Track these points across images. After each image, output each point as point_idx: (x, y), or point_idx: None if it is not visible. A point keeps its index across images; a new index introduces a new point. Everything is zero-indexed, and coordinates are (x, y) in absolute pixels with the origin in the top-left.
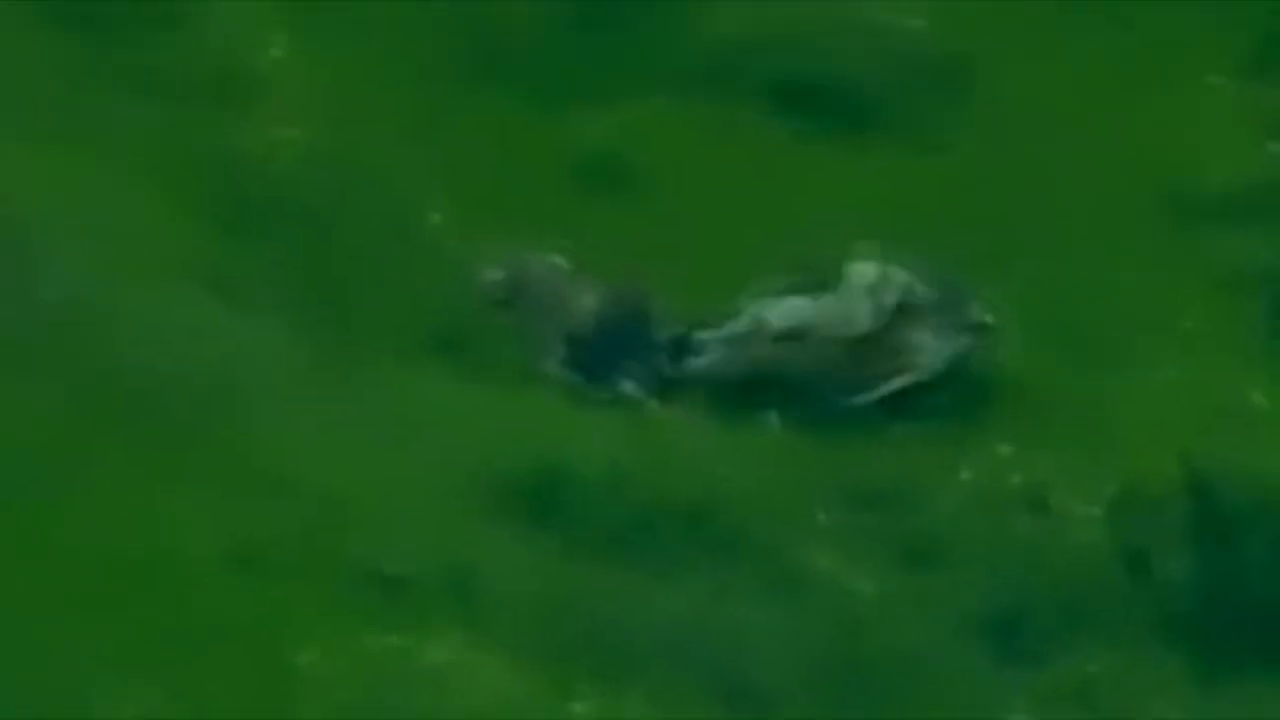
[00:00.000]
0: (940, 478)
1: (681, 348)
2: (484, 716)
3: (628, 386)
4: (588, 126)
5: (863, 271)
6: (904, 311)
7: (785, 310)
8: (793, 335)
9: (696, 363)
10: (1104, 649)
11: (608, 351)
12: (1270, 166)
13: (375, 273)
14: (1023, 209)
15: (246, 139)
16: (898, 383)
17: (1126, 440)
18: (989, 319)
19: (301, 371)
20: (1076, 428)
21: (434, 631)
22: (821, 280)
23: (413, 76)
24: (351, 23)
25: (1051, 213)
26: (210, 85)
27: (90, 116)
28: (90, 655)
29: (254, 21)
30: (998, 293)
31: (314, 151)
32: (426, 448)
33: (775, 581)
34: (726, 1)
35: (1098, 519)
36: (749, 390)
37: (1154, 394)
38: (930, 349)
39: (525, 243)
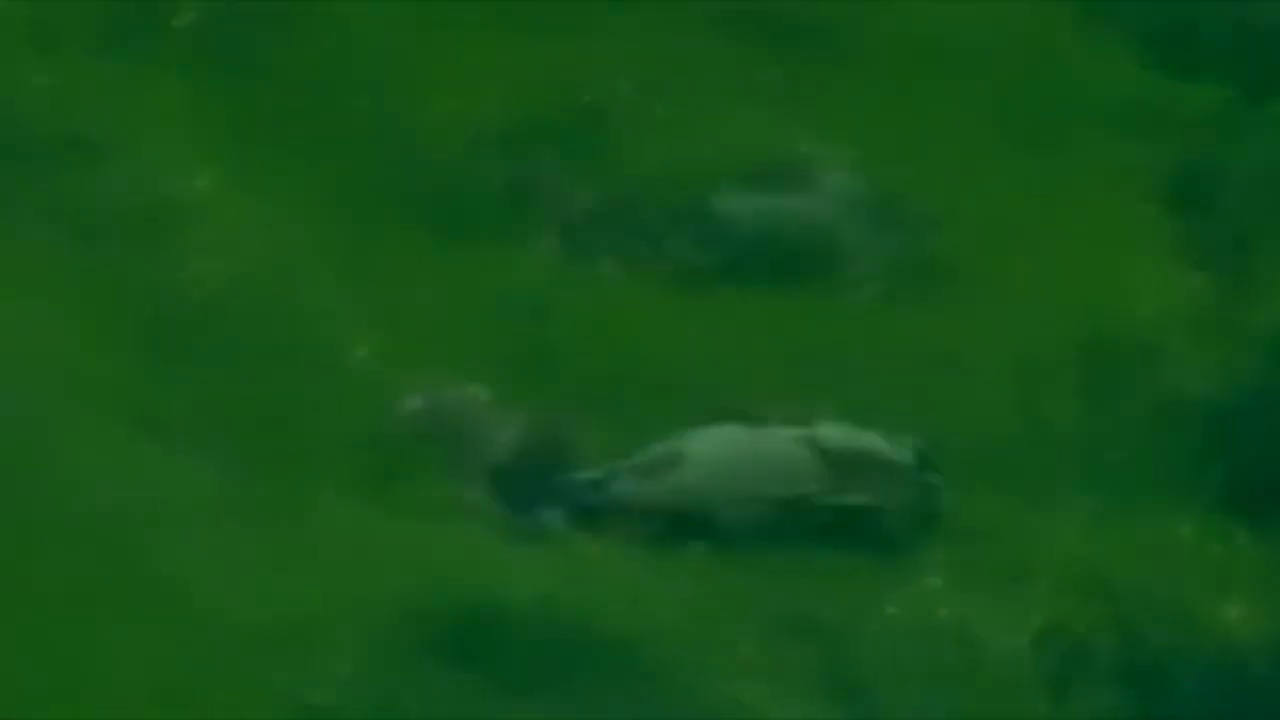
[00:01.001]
0: (868, 610)
1: (602, 480)
2: None
3: (551, 518)
4: (502, 263)
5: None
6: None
7: (724, 440)
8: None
9: (617, 492)
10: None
11: (529, 482)
12: (1195, 298)
13: (302, 405)
14: (948, 348)
15: (172, 272)
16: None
17: (1053, 573)
18: (938, 478)
19: (229, 505)
20: (1004, 561)
21: None
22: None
23: (336, 211)
24: (276, 157)
25: (981, 348)
26: (134, 219)
27: (12, 253)
28: None
29: (178, 154)
30: (930, 429)
31: (239, 284)
32: (353, 581)
33: (701, 717)
34: (645, 139)
35: (1023, 651)
36: (672, 519)
37: (1082, 527)
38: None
39: (449, 375)
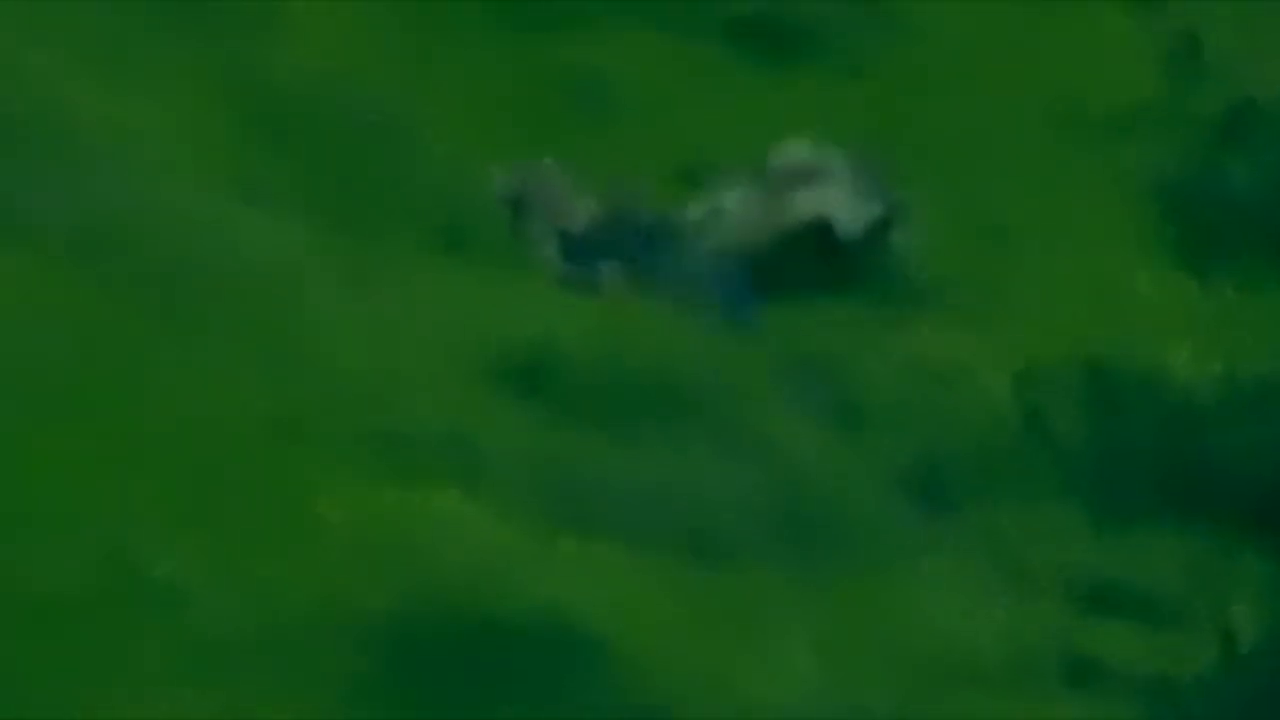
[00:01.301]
0: (869, 351)
1: (657, 237)
2: (481, 559)
3: (612, 276)
4: (574, 50)
5: (794, 150)
6: (821, 176)
7: (731, 198)
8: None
9: (670, 251)
10: (1010, 501)
11: (598, 246)
12: (1158, 86)
13: (388, 180)
14: (937, 126)
15: (274, 65)
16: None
17: (1031, 321)
18: (900, 194)
19: (327, 267)
20: (988, 309)
21: (440, 487)
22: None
23: (420, 8)
24: None
25: (963, 129)
26: (242, 17)
27: (137, 43)
28: (136, 507)
29: None
30: (917, 195)
31: (333, 75)
32: (433, 330)
33: (729, 444)
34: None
35: (1005, 388)
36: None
37: (1056, 282)
38: (847, 208)
39: (522, 153)
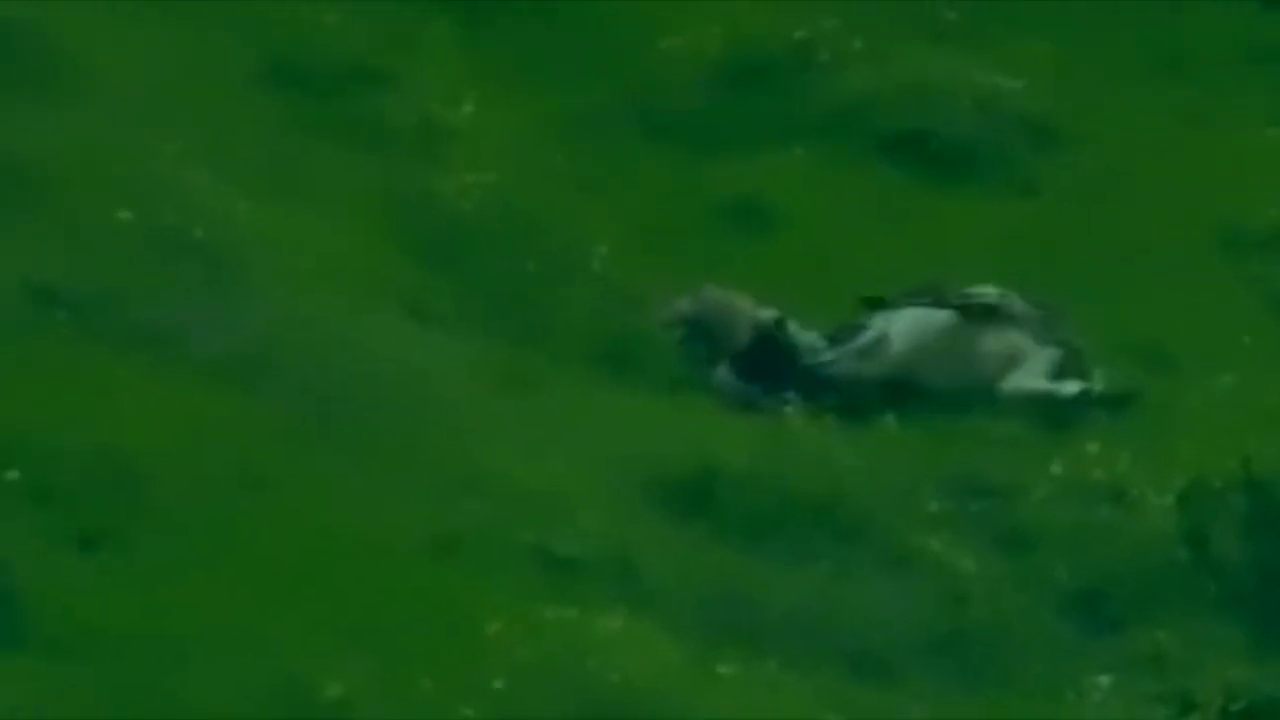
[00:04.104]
0: (1034, 471)
1: (820, 363)
2: (643, 679)
3: (777, 397)
4: (733, 173)
5: (983, 292)
6: (1011, 322)
7: (912, 318)
8: (913, 344)
9: (832, 372)
10: (1173, 620)
11: (761, 367)
12: None
13: (552, 300)
14: (1103, 243)
15: (442, 184)
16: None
17: (1194, 440)
18: (1080, 341)
19: (491, 384)
20: (1151, 429)
21: (602, 606)
22: (940, 300)
23: (582, 131)
24: (530, 85)
25: (1129, 246)
26: (411, 137)
27: (303, 164)
28: (303, 629)
29: (449, 82)
30: (1085, 311)
31: (498, 195)
32: (597, 449)
33: (892, 562)
34: (851, 66)
35: (1169, 508)
36: (873, 394)
37: (1217, 401)
38: (1034, 357)
39: (682, 275)
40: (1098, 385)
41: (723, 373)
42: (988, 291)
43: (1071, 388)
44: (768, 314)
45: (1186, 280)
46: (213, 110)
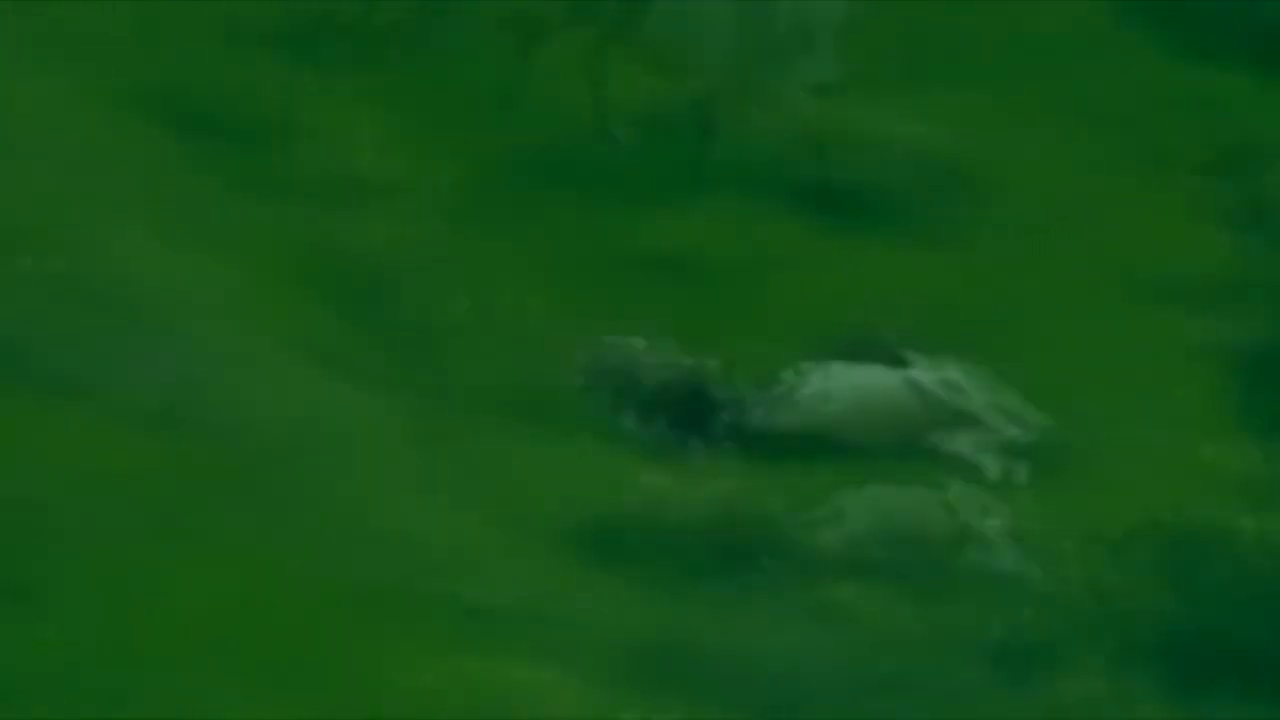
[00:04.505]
0: (949, 520)
1: (740, 410)
2: None
3: (693, 445)
4: (649, 224)
5: (916, 361)
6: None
7: (836, 375)
8: (851, 401)
9: (753, 421)
10: (1087, 670)
11: (676, 416)
12: (1227, 257)
13: (465, 350)
14: (1019, 292)
15: (354, 235)
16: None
17: (1104, 489)
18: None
19: (403, 434)
20: (1063, 479)
21: (512, 654)
22: (867, 354)
23: (495, 181)
24: (443, 136)
25: (1044, 295)
26: (324, 187)
27: (213, 215)
28: (220, 678)
29: (359, 131)
30: (999, 360)
31: (415, 246)
32: (508, 497)
33: (806, 611)
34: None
35: (1080, 556)
36: (800, 445)
37: (1128, 450)
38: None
39: (602, 325)
40: (1015, 438)
41: (633, 420)
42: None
43: (991, 447)
44: (683, 360)
45: (1100, 330)
46: (124, 159)
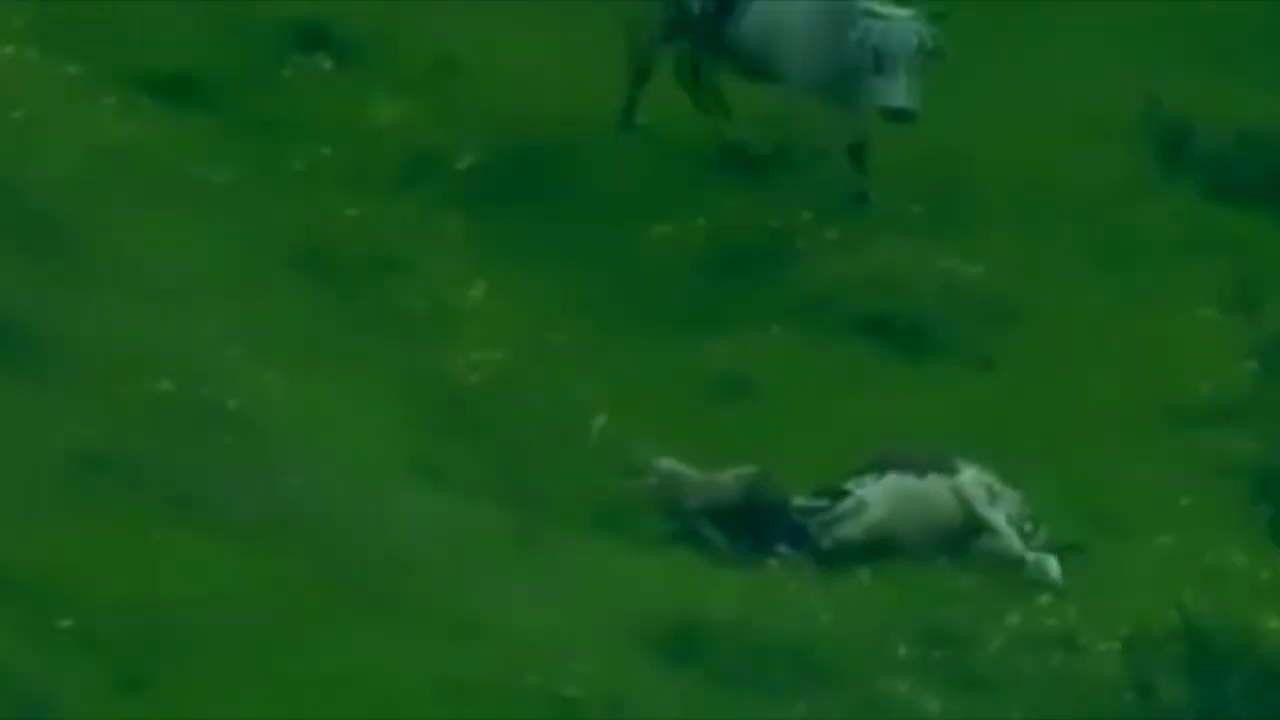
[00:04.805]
0: (993, 621)
1: (803, 527)
2: None
3: (761, 551)
4: (718, 350)
5: (965, 471)
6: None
7: (891, 485)
8: (903, 503)
9: (814, 530)
10: None
11: (746, 524)
12: (1247, 381)
13: (552, 465)
14: (1054, 414)
15: (453, 361)
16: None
17: (1137, 593)
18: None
19: (498, 542)
20: (1099, 583)
21: None
22: (916, 471)
23: (580, 312)
24: (533, 270)
25: (1077, 417)
26: (424, 319)
27: (328, 344)
28: None
29: (459, 268)
30: (1036, 475)
31: (504, 371)
32: (594, 601)
33: (862, 710)
34: (824, 252)
35: (1115, 655)
36: (849, 551)
37: (1158, 558)
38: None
39: (671, 442)
40: (1049, 543)
41: (708, 530)
42: (956, 463)
43: (1033, 552)
44: (748, 477)
45: (1130, 449)
46: (248, 295)
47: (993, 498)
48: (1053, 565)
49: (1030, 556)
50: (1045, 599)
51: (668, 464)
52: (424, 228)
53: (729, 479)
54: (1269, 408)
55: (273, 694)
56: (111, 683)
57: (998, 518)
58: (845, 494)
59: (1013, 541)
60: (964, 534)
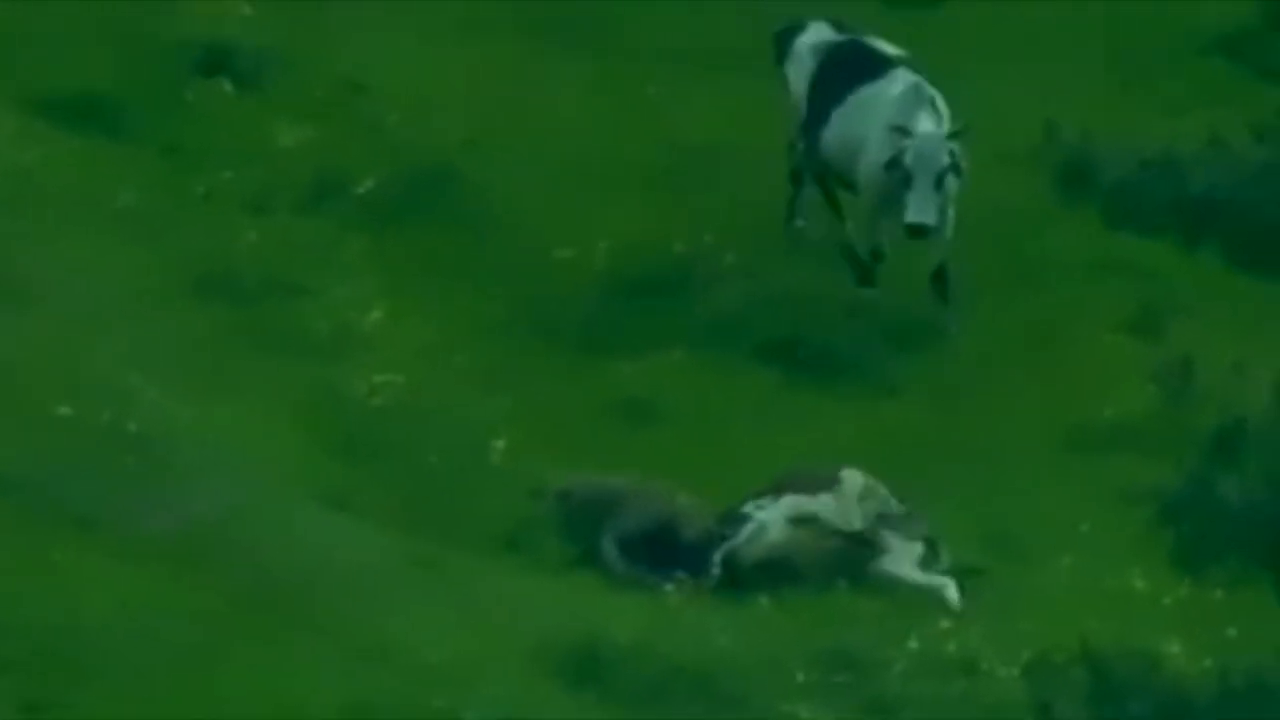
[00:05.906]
0: (894, 646)
1: (706, 546)
2: None
3: (661, 577)
4: (621, 374)
5: (853, 479)
6: (881, 519)
7: (789, 505)
8: (800, 523)
9: (718, 555)
10: None
11: (646, 551)
12: (1151, 406)
13: (454, 489)
14: (958, 441)
15: (354, 385)
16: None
17: (1039, 618)
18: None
19: (402, 565)
20: (1001, 608)
21: None
22: (814, 488)
23: (483, 335)
24: (434, 294)
25: (981, 443)
26: (325, 342)
27: (228, 367)
28: None
29: (361, 292)
30: (939, 501)
31: (407, 393)
32: (497, 623)
33: None
34: (728, 276)
35: (1016, 680)
36: (749, 575)
37: (1061, 582)
38: (900, 550)
39: (574, 466)
40: (951, 569)
41: (607, 555)
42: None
43: (931, 576)
44: (652, 498)
45: (1033, 473)
46: (150, 318)
47: (884, 508)
48: (951, 590)
49: (924, 580)
50: (946, 623)
51: (582, 479)
52: (326, 251)
53: (633, 502)
54: (1172, 433)
55: (177, 716)
56: (15, 705)
57: (887, 537)
58: (745, 518)
59: (901, 562)
60: (858, 553)
